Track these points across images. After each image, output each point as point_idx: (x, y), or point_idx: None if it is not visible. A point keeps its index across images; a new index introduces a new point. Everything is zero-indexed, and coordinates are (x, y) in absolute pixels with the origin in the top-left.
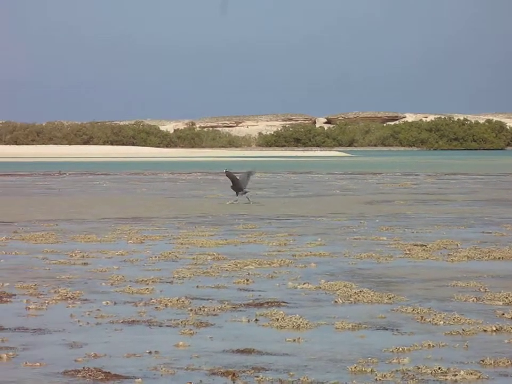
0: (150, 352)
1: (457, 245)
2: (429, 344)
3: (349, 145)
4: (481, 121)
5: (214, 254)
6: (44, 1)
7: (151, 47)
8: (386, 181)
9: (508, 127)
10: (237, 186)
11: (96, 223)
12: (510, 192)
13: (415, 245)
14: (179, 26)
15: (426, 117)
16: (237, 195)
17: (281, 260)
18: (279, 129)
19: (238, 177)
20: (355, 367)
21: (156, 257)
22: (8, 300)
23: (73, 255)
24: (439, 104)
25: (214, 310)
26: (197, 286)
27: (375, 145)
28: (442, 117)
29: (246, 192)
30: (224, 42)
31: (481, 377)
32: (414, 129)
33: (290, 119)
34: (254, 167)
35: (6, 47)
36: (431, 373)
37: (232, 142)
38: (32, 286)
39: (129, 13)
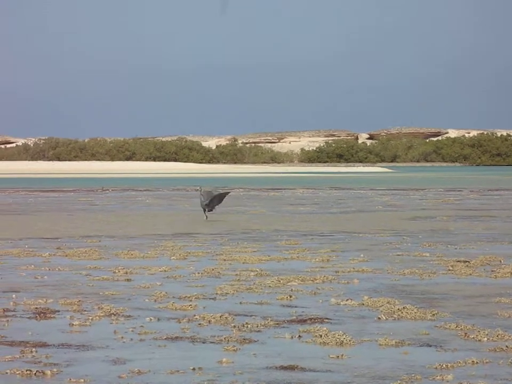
0: (193, 369)
1: (500, 261)
2: (473, 361)
3: (392, 161)
4: None
5: (257, 270)
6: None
7: (193, 63)
8: (429, 196)
9: None
10: (213, 203)
11: (139, 239)
12: None
13: (458, 261)
14: (216, 44)
15: (468, 133)
16: (206, 210)
17: (324, 276)
18: (322, 145)
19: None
20: None
21: (199, 273)
22: (52, 316)
23: (117, 271)
24: (481, 119)
25: (257, 326)
26: (240, 302)
27: (418, 161)
28: (485, 133)
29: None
30: (264, 58)
31: None
32: (456, 145)
33: (333, 135)
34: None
35: (48, 65)
36: None
37: (275, 158)
38: (76, 302)
39: (171, 33)
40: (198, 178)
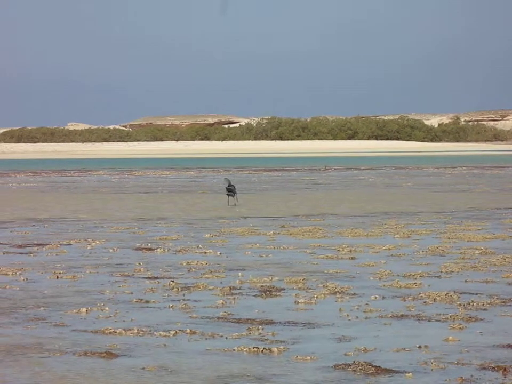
0: (419, 347)
1: None
2: None
3: None
4: None
5: (482, 248)
6: None
7: (418, 39)
8: None
9: None
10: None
11: (362, 218)
12: None
13: None
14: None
15: None
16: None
17: None
18: None
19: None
20: None
21: (423, 251)
22: (277, 294)
23: (341, 249)
24: None
25: (483, 304)
26: (465, 281)
27: None
28: None
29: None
30: (489, 38)
31: None
32: None
33: None
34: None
35: (267, 45)
36: None
37: (498, 136)
38: (301, 281)
39: None
40: (420, 157)
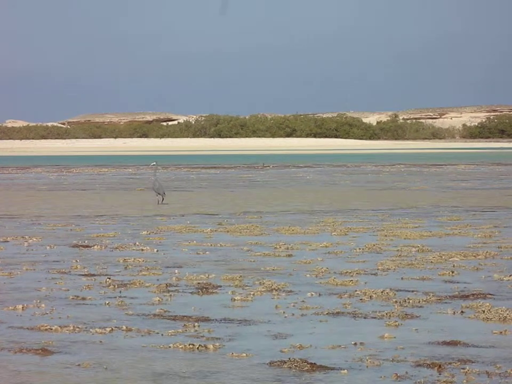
0: (355, 344)
1: None
2: None
3: None
4: None
5: (419, 245)
6: None
7: (354, 43)
8: None
9: None
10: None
11: (300, 215)
12: None
13: None
14: (372, 22)
15: None
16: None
17: (487, 252)
18: (483, 120)
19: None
20: None
21: (360, 249)
22: (214, 291)
23: (278, 247)
24: None
25: (419, 302)
26: (402, 278)
27: None
28: None
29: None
30: (424, 34)
31: None
32: None
33: (495, 110)
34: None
35: (211, 43)
36: None
37: (436, 134)
38: (238, 278)
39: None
40: (359, 155)
